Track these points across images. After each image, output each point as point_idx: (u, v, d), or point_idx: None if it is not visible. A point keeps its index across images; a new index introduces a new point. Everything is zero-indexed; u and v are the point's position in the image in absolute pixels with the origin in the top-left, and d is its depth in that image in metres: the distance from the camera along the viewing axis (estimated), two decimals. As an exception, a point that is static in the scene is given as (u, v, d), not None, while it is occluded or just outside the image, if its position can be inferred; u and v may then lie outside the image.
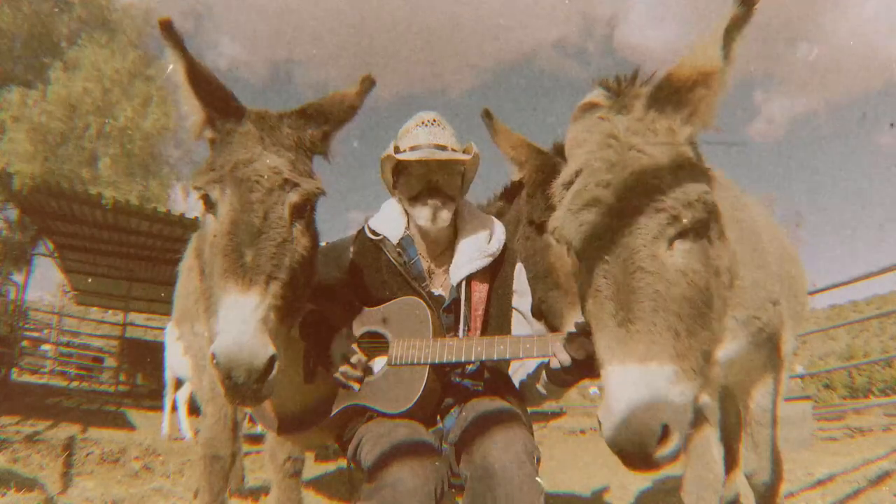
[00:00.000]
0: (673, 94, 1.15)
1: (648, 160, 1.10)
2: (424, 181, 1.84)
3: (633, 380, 0.99)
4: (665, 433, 0.97)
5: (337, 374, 1.67)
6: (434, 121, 1.88)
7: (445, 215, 1.83)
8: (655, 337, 1.01)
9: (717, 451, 1.84)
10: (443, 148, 1.81)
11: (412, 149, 1.82)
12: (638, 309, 1.03)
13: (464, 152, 1.87)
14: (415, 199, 1.85)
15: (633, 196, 1.08)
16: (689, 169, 1.12)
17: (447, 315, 1.84)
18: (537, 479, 1.52)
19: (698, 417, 1.85)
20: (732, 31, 1.10)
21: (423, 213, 1.82)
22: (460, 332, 1.82)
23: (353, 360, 1.67)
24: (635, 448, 0.97)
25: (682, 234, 1.10)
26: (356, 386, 1.68)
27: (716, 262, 1.15)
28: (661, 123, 1.16)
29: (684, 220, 1.08)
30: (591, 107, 1.27)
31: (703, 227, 1.13)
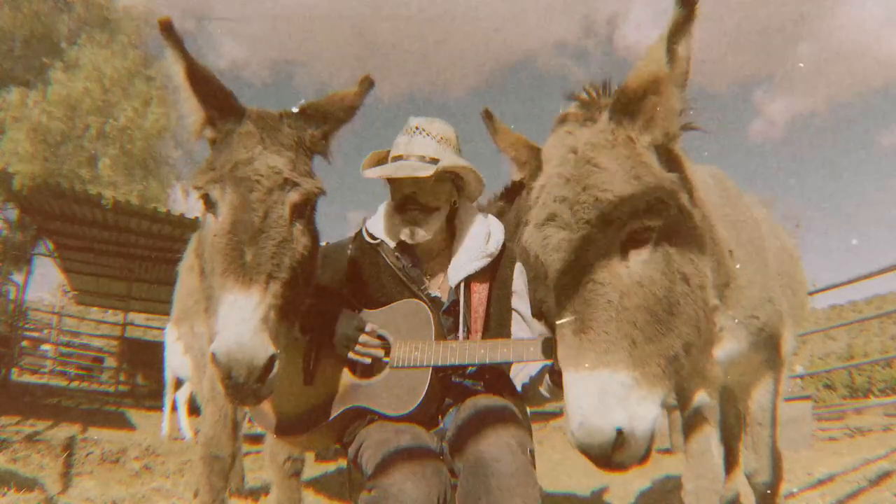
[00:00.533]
0: (628, 104, 1.18)
1: (602, 173, 1.14)
2: (401, 194, 1.82)
3: (585, 386, 1.04)
4: (620, 437, 1.00)
5: (352, 353, 1.66)
6: (417, 128, 1.84)
7: (422, 233, 1.80)
8: (608, 346, 1.06)
9: (717, 451, 1.84)
10: (422, 158, 1.77)
11: (394, 159, 1.81)
12: (590, 319, 1.08)
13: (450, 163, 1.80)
14: (396, 210, 1.84)
15: (585, 210, 1.12)
16: (643, 178, 1.14)
17: (447, 317, 1.83)
18: (530, 468, 1.51)
19: (697, 417, 1.85)
20: (674, 34, 1.11)
21: (403, 230, 1.82)
22: (460, 334, 1.81)
23: (368, 328, 1.66)
24: (593, 451, 1.02)
25: (636, 244, 1.13)
26: (381, 353, 1.67)
27: (682, 268, 1.17)
28: (620, 134, 1.19)
29: (634, 230, 1.12)
30: (565, 119, 1.30)
31: (663, 235, 1.15)
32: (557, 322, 1.15)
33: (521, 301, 1.92)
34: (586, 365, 1.05)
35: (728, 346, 1.70)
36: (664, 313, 1.11)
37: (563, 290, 1.13)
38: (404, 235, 1.82)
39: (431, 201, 1.82)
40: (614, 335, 1.06)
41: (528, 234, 1.23)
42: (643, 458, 1.05)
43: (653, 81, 1.14)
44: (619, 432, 1.00)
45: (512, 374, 1.88)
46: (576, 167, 1.16)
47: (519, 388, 1.85)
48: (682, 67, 1.14)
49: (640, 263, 1.12)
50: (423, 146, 1.81)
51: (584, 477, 4.68)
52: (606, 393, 1.02)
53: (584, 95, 1.31)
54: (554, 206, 1.16)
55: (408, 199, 1.81)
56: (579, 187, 1.14)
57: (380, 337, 1.73)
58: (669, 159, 1.23)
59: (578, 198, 1.13)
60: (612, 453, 1.01)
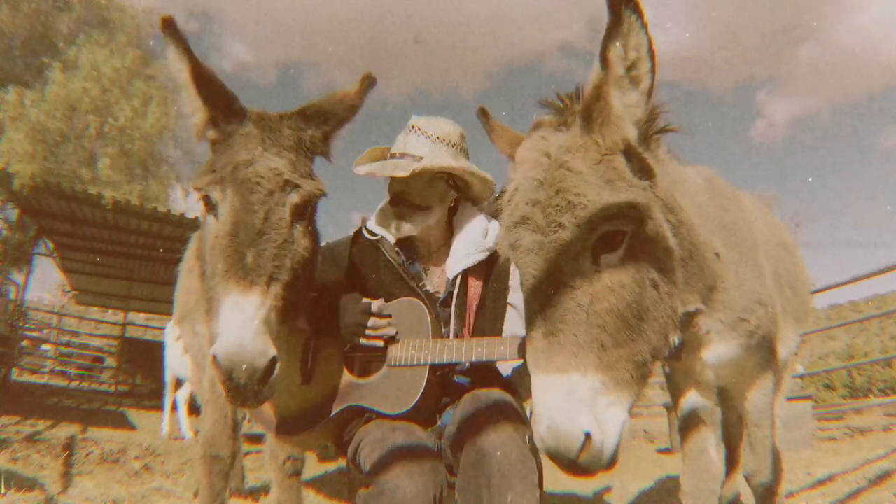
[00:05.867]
0: (585, 109, 1.19)
1: (574, 177, 1.14)
2: (392, 191, 1.88)
3: (553, 389, 1.03)
4: (588, 441, 1.00)
5: (363, 339, 1.68)
6: (414, 127, 1.87)
7: (406, 228, 1.84)
8: (577, 349, 1.05)
9: (716, 452, 1.83)
10: (413, 158, 1.80)
11: (391, 156, 1.86)
12: (559, 322, 1.08)
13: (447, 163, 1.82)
14: (390, 204, 1.89)
15: (556, 213, 1.12)
16: (615, 183, 1.14)
17: (443, 310, 1.85)
18: (530, 454, 1.52)
19: (694, 419, 1.85)
20: (605, 39, 1.11)
21: (392, 223, 1.88)
22: (452, 326, 1.83)
23: (375, 307, 1.68)
24: (560, 455, 1.01)
25: (607, 249, 1.13)
26: (391, 332, 1.68)
27: (652, 274, 1.17)
28: (589, 139, 1.19)
29: (605, 235, 1.12)
30: (539, 125, 1.31)
31: (634, 241, 1.15)
32: (527, 324, 1.15)
33: (516, 295, 1.92)
34: (554, 368, 1.04)
35: (717, 349, 1.69)
36: (634, 319, 1.11)
37: (534, 292, 1.13)
38: (392, 229, 1.88)
39: (418, 200, 1.84)
40: (583, 339, 1.06)
41: (501, 236, 1.24)
42: (610, 464, 1.04)
43: (594, 87, 1.16)
44: (587, 436, 1.00)
45: (501, 366, 1.89)
46: (549, 171, 1.17)
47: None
48: (617, 71, 1.13)
49: (610, 268, 1.12)
50: (417, 145, 1.83)
51: (584, 477, 4.67)
52: (574, 396, 1.02)
53: (557, 102, 1.31)
54: (526, 209, 1.16)
55: (395, 197, 1.86)
56: (552, 190, 1.14)
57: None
58: (641, 167, 1.23)
59: (551, 201, 1.13)
60: (576, 457, 1.00)
